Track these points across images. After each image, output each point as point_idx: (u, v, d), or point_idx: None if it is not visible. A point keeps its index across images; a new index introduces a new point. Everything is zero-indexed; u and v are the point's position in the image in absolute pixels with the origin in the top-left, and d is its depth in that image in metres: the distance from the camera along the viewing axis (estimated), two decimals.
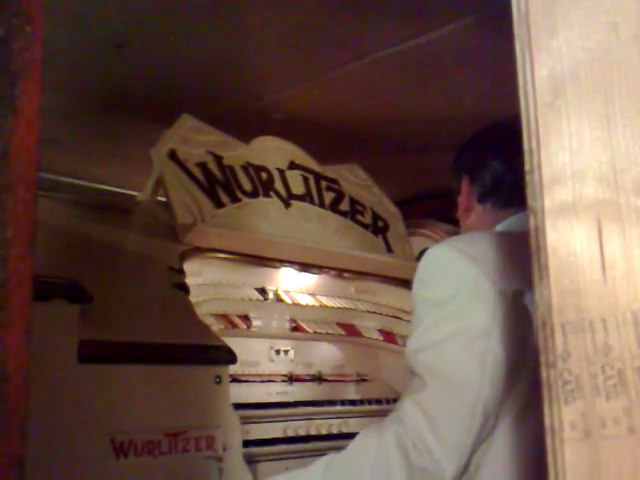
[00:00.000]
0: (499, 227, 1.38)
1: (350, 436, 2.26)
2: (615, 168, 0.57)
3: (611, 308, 0.56)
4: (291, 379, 2.38)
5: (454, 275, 1.19)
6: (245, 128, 2.41)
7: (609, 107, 0.57)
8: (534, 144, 0.61)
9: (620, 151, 0.57)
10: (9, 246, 0.45)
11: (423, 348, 1.17)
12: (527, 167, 0.62)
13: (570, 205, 0.58)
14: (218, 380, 1.45)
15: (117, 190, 3.41)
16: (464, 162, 1.47)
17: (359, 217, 2.63)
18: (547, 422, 0.58)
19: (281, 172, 2.42)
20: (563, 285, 0.58)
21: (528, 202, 0.61)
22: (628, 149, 0.56)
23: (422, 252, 3.15)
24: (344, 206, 2.59)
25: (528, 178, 0.62)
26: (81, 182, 3.33)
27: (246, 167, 2.30)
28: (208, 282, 2.19)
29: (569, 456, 0.57)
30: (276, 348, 2.39)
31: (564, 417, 0.57)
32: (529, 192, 0.61)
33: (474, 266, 1.17)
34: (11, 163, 0.45)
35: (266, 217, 2.28)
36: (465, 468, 1.13)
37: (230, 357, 1.53)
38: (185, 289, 1.84)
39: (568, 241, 0.58)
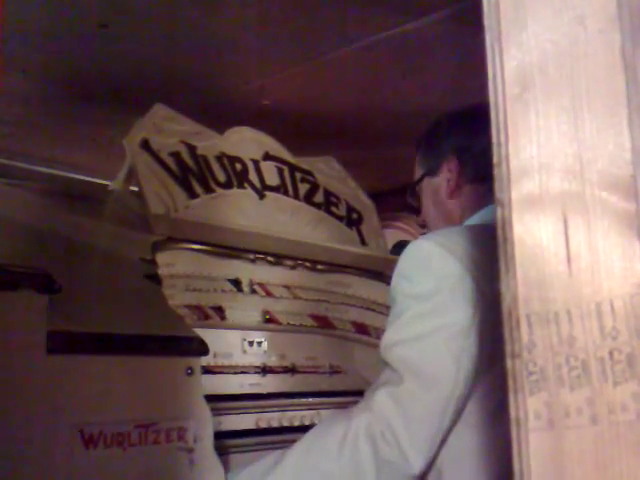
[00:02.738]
0: (475, 217, 1.37)
1: None
2: (582, 161, 0.58)
3: (576, 299, 0.57)
4: (264, 370, 2.38)
5: (437, 271, 1.19)
6: (230, 114, 2.40)
7: (576, 100, 0.58)
8: (502, 137, 0.62)
9: (586, 144, 0.57)
10: None
11: (401, 342, 1.17)
12: (495, 160, 0.62)
13: (537, 197, 0.59)
14: (190, 371, 1.44)
15: (92, 180, 3.37)
16: (448, 143, 1.43)
17: (333, 209, 2.63)
18: (512, 412, 0.59)
19: (255, 163, 2.41)
20: (529, 276, 0.59)
21: (495, 194, 0.61)
22: (594, 142, 0.57)
23: (396, 245, 3.16)
24: (318, 198, 2.59)
25: (496, 171, 0.62)
26: (53, 171, 3.28)
27: (220, 157, 2.29)
28: (181, 273, 2.17)
29: (533, 445, 0.58)
30: (249, 340, 2.38)
31: (529, 407, 0.58)
32: (497, 184, 0.62)
33: (457, 263, 1.17)
34: None
35: (240, 208, 2.27)
36: (432, 462, 1.14)
37: (202, 348, 1.52)
38: (157, 280, 1.82)
39: (534, 233, 0.59)
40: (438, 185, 1.46)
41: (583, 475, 0.56)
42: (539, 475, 0.57)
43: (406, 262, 1.25)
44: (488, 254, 1.18)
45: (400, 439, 1.09)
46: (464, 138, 1.41)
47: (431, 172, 1.47)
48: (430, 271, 1.20)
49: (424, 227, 1.60)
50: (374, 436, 1.11)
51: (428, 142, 1.51)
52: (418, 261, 1.23)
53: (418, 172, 1.53)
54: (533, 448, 0.58)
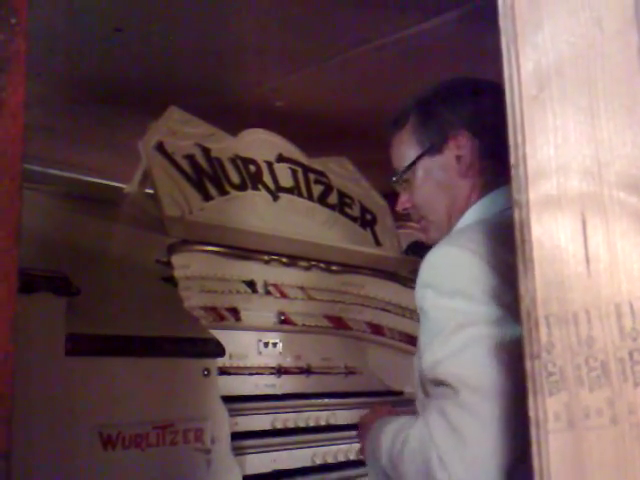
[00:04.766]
0: (486, 201, 1.24)
1: (338, 428, 2.29)
2: (599, 162, 0.58)
3: (594, 300, 0.57)
4: (279, 371, 2.38)
5: (469, 277, 1.08)
6: (243, 115, 2.40)
7: (593, 101, 0.58)
8: (519, 138, 0.62)
9: (604, 145, 0.57)
10: None
11: (446, 358, 1.06)
12: (512, 161, 0.62)
13: (555, 198, 0.59)
14: (206, 373, 1.45)
15: (108, 183, 3.39)
16: (455, 114, 1.25)
17: (347, 210, 2.64)
18: (532, 413, 0.59)
19: (269, 165, 2.42)
20: (547, 278, 0.59)
21: (513, 195, 0.61)
22: (612, 143, 0.57)
23: (410, 245, 3.15)
24: (332, 199, 2.59)
25: (513, 172, 0.62)
26: (69, 174, 3.30)
27: (234, 160, 2.30)
28: (196, 275, 2.18)
29: (553, 446, 0.58)
30: (264, 341, 2.39)
31: (548, 408, 0.58)
32: (514, 185, 0.62)
33: (487, 267, 1.06)
34: None
35: (254, 210, 2.28)
36: None
37: (218, 350, 1.53)
38: (173, 282, 1.84)
39: (552, 234, 0.59)
40: (445, 164, 1.27)
41: (603, 476, 0.56)
42: (559, 476, 0.57)
43: (433, 270, 1.13)
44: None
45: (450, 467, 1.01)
46: (474, 107, 1.24)
47: (432, 150, 1.27)
48: (462, 277, 1.08)
49: (413, 220, 1.38)
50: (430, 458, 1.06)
51: (425, 115, 1.30)
52: (446, 268, 1.11)
53: (409, 152, 1.31)
54: (553, 449, 0.58)
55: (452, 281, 1.10)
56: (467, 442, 1.01)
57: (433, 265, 1.13)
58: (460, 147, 1.24)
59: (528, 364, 0.59)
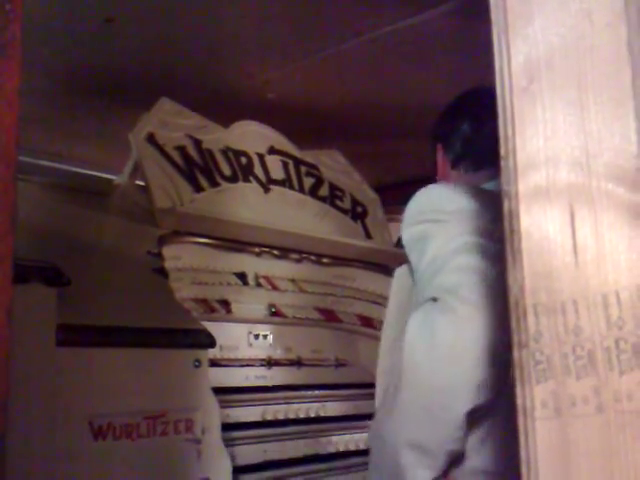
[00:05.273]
0: None
1: (328, 420, 2.30)
2: (588, 153, 0.58)
3: (582, 290, 0.58)
4: (270, 363, 2.39)
5: (454, 204, 1.19)
6: (235, 107, 2.39)
7: (582, 93, 0.58)
8: (509, 130, 0.62)
9: (593, 137, 0.58)
10: None
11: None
12: (502, 153, 0.63)
13: (543, 189, 0.60)
14: (197, 364, 1.46)
15: (99, 174, 3.37)
16: (438, 131, 1.46)
17: (338, 203, 2.64)
18: (519, 401, 0.60)
19: (260, 157, 2.42)
20: (536, 268, 0.60)
21: (502, 186, 0.62)
22: (600, 135, 0.58)
23: (400, 238, 3.16)
24: (323, 191, 2.60)
25: (503, 163, 0.63)
26: (60, 165, 3.28)
27: (225, 151, 2.29)
28: (187, 267, 2.18)
29: (540, 434, 0.59)
30: (255, 333, 2.39)
31: (535, 396, 0.59)
32: (504, 177, 0.62)
33: (471, 200, 1.17)
34: None
35: (245, 202, 2.28)
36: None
37: (209, 341, 1.53)
38: (164, 273, 1.84)
39: (541, 225, 0.60)
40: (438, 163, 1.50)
41: (589, 463, 0.57)
42: (545, 463, 0.58)
43: (418, 203, 1.27)
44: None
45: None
46: (451, 127, 1.44)
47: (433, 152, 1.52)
48: (449, 202, 1.20)
49: None
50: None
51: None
52: (433, 198, 1.25)
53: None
54: (540, 436, 0.58)
55: (438, 205, 1.22)
56: (436, 335, 1.07)
57: (417, 198, 1.28)
58: (438, 158, 1.46)
59: (516, 353, 0.59)
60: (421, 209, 1.27)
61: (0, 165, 0.46)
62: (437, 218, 1.21)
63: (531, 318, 0.59)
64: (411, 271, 1.27)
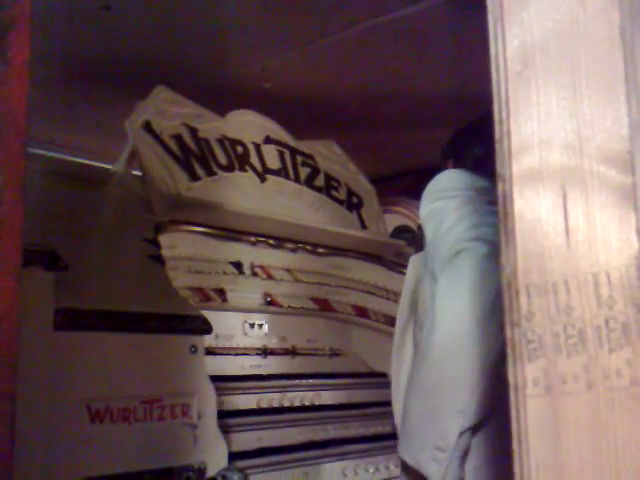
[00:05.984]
0: None
1: (322, 408, 2.32)
2: (580, 136, 0.59)
3: (573, 271, 0.59)
4: (265, 352, 2.40)
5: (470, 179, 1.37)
6: (231, 96, 2.38)
7: (575, 77, 0.59)
8: (504, 114, 0.63)
9: (585, 120, 0.59)
10: (0, 192, 0.46)
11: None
12: (497, 136, 0.64)
13: (537, 172, 0.61)
14: (194, 349, 1.47)
15: (94, 162, 3.36)
16: (451, 147, 1.61)
17: (334, 193, 2.65)
18: (511, 379, 0.61)
19: (257, 146, 2.42)
20: (528, 249, 0.61)
21: (497, 169, 0.63)
22: (593, 118, 0.59)
23: (396, 229, 3.17)
24: (319, 182, 2.60)
25: (497, 147, 0.64)
26: (55, 154, 3.28)
27: (222, 140, 2.30)
28: (183, 255, 2.19)
29: (531, 411, 0.60)
30: (250, 322, 2.40)
31: (527, 374, 0.60)
32: (498, 160, 0.64)
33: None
34: (1, 111, 0.46)
35: (241, 191, 2.29)
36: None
37: (206, 327, 1.54)
38: (161, 260, 1.85)
39: (534, 207, 0.61)
40: None
41: (578, 439, 0.58)
42: (536, 439, 0.59)
43: (437, 182, 1.40)
44: None
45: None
46: (459, 147, 1.63)
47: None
48: (462, 183, 1.36)
49: None
50: None
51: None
52: (448, 180, 1.40)
53: None
54: (531, 414, 0.60)
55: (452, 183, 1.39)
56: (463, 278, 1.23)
57: (435, 180, 1.42)
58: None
59: (508, 332, 0.61)
60: (439, 187, 1.41)
61: (10, 135, 0.47)
62: (452, 195, 1.37)
63: (523, 298, 0.60)
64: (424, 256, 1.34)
